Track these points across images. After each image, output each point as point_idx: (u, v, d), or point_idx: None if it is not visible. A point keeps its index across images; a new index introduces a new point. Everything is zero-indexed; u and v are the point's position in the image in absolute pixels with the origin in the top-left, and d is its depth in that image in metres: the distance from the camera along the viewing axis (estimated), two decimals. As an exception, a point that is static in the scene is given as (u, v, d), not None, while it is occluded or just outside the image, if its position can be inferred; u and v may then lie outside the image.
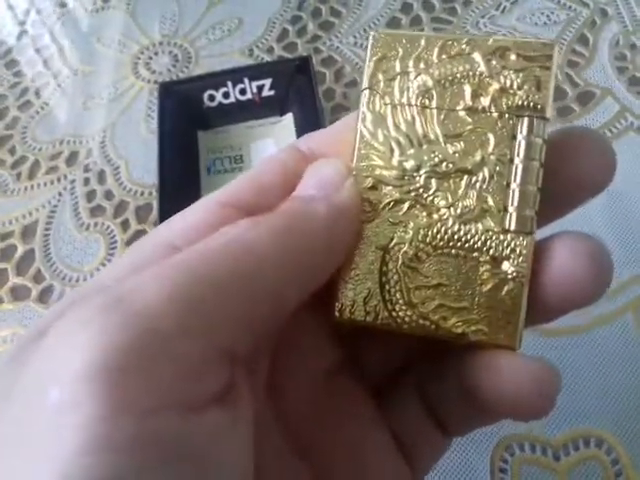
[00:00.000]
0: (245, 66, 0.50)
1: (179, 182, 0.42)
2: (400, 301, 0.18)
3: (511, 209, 0.18)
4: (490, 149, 0.18)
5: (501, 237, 0.18)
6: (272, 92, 0.46)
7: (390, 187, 0.19)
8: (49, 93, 0.54)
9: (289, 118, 0.45)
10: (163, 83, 0.47)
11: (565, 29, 0.49)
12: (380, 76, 0.19)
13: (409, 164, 0.19)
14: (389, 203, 0.19)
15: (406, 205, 0.18)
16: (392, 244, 0.18)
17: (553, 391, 0.17)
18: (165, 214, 0.40)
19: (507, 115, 0.18)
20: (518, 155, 0.18)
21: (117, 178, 0.47)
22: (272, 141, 0.45)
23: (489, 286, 0.18)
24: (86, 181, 0.47)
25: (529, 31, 0.49)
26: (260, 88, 0.46)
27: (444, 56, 0.19)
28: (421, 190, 0.18)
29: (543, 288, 0.17)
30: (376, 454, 0.20)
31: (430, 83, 0.19)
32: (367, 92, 0.19)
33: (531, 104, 0.18)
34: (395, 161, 0.19)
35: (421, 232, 0.18)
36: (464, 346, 0.18)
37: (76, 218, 0.45)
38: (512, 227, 0.18)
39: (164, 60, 0.54)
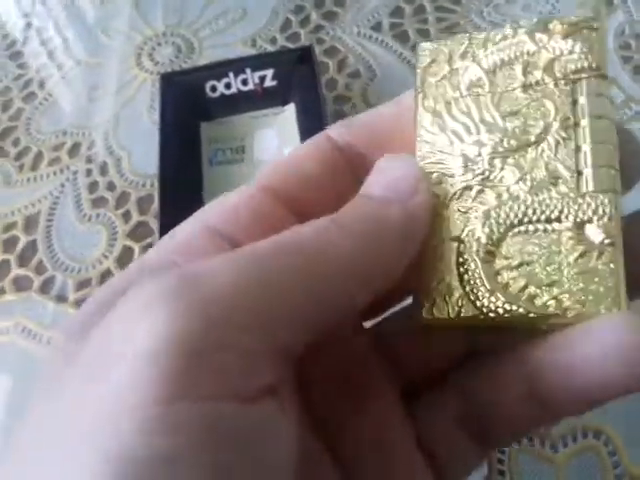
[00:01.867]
0: (247, 56, 0.50)
1: (180, 173, 0.42)
2: (482, 289, 0.17)
3: (586, 171, 0.17)
4: (551, 118, 0.18)
5: (579, 201, 0.17)
6: (274, 82, 0.45)
7: (455, 177, 0.18)
8: (53, 84, 0.54)
9: (291, 108, 0.45)
10: (164, 74, 0.47)
11: (570, 18, 0.48)
12: (431, 79, 0.19)
13: (471, 151, 0.18)
14: (456, 193, 0.18)
15: (474, 191, 0.18)
16: (465, 233, 0.18)
17: None
18: (166, 205, 0.40)
19: (563, 82, 0.18)
20: (583, 117, 0.17)
21: (119, 169, 0.47)
22: (274, 132, 0.45)
23: (576, 254, 0.16)
24: (88, 172, 0.47)
25: (534, 20, 0.49)
26: (262, 78, 0.46)
27: (489, 45, 0.19)
28: (487, 172, 0.18)
29: None
30: (401, 458, 0.19)
31: (480, 73, 0.19)
32: (420, 95, 0.19)
33: (586, 65, 0.18)
34: (457, 151, 0.18)
35: (493, 214, 0.18)
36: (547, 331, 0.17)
37: (78, 209, 0.45)
38: (590, 188, 0.17)
39: (167, 51, 0.54)
